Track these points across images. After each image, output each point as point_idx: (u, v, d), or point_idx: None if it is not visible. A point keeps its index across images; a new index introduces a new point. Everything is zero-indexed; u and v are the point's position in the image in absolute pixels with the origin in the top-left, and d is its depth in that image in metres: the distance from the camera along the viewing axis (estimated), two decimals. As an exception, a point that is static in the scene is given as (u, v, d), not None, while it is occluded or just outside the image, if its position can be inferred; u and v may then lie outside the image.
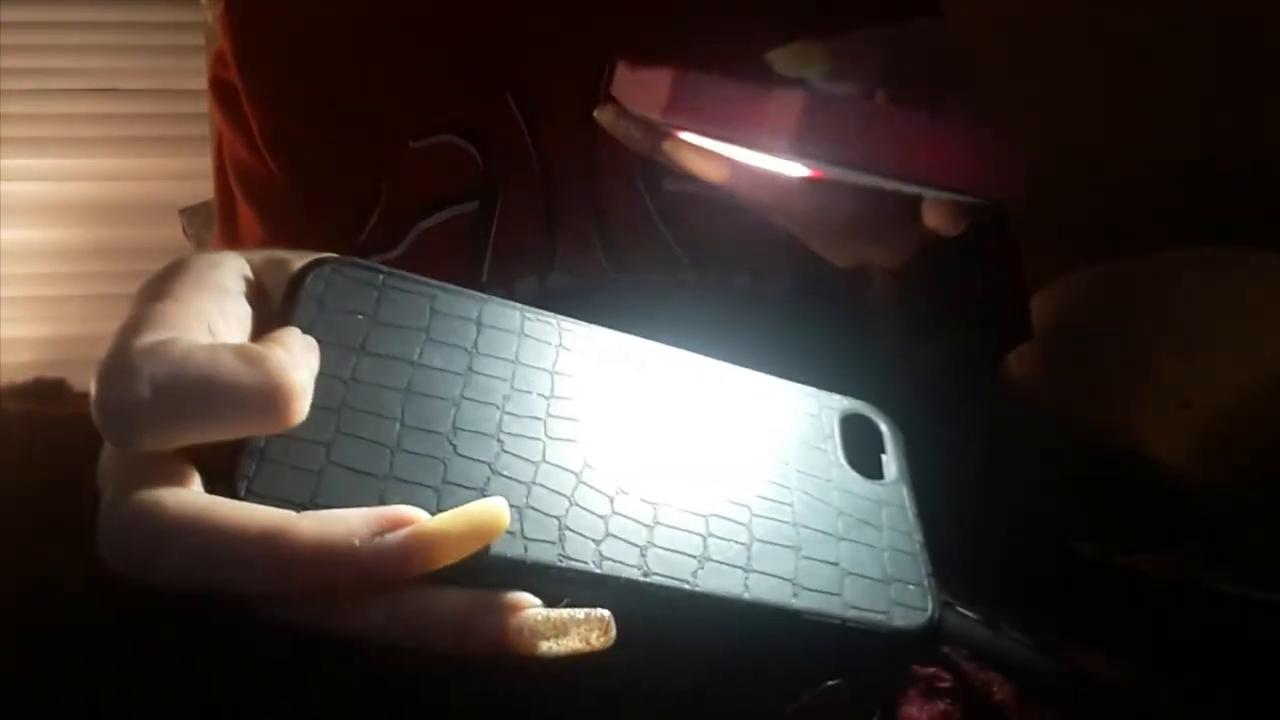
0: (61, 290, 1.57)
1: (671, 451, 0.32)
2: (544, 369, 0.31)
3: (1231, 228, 1.18)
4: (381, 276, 0.32)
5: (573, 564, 0.27)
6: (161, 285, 0.29)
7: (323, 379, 0.28)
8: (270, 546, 0.24)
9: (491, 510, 0.26)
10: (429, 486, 0.27)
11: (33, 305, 1.57)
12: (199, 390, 0.25)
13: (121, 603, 0.26)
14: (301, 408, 0.26)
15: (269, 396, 0.26)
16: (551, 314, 0.33)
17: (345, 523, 0.25)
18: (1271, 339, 1.00)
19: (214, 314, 0.28)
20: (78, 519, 0.28)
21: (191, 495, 0.25)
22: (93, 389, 0.26)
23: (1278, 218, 1.22)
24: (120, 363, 0.26)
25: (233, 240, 0.69)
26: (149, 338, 0.26)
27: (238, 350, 0.26)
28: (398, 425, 0.28)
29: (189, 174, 1.45)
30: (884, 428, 0.36)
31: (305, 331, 0.28)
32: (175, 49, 1.57)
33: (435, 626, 0.25)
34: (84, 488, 0.29)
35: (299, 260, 0.31)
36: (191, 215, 1.36)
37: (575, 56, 0.61)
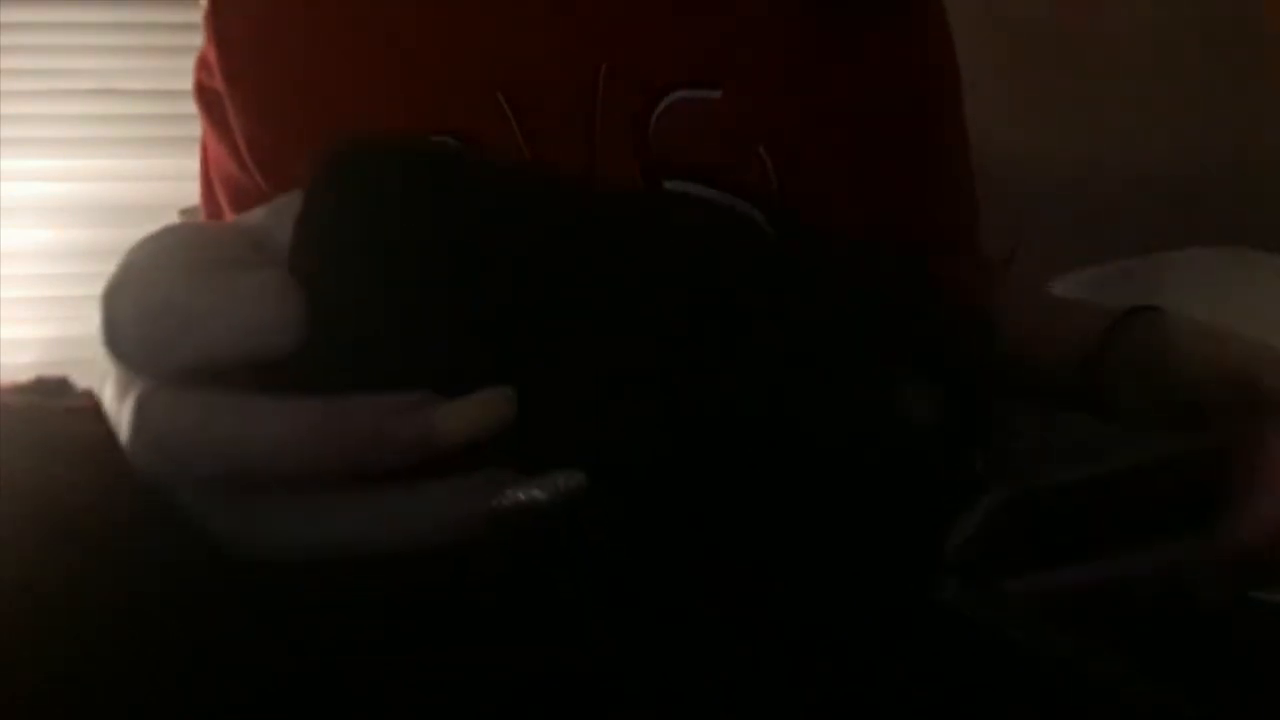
0: (61, 290, 1.57)
1: None
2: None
3: (1232, 228, 1.18)
4: (404, 163, 0.31)
5: None
6: (155, 236, 0.31)
7: (340, 278, 0.28)
8: (302, 426, 0.27)
9: (499, 397, 0.28)
10: (438, 376, 0.28)
11: (33, 305, 1.57)
12: (177, 315, 0.28)
13: (127, 586, 0.26)
14: (279, 340, 0.27)
15: (247, 327, 0.27)
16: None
17: (370, 405, 0.27)
18: (1271, 339, 1.00)
19: (208, 252, 0.30)
20: (79, 509, 0.28)
21: (219, 387, 0.28)
22: (98, 314, 0.29)
23: (1277, 218, 1.22)
24: (115, 285, 0.29)
25: None
26: (139, 268, 0.29)
27: (220, 276, 0.28)
28: (411, 317, 0.29)
29: (189, 174, 1.45)
30: None
31: (328, 227, 0.29)
32: (175, 50, 1.57)
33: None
34: (83, 478, 0.29)
35: (296, 201, 0.31)
36: (192, 215, 1.36)
37: (565, 52, 0.60)
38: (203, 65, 0.65)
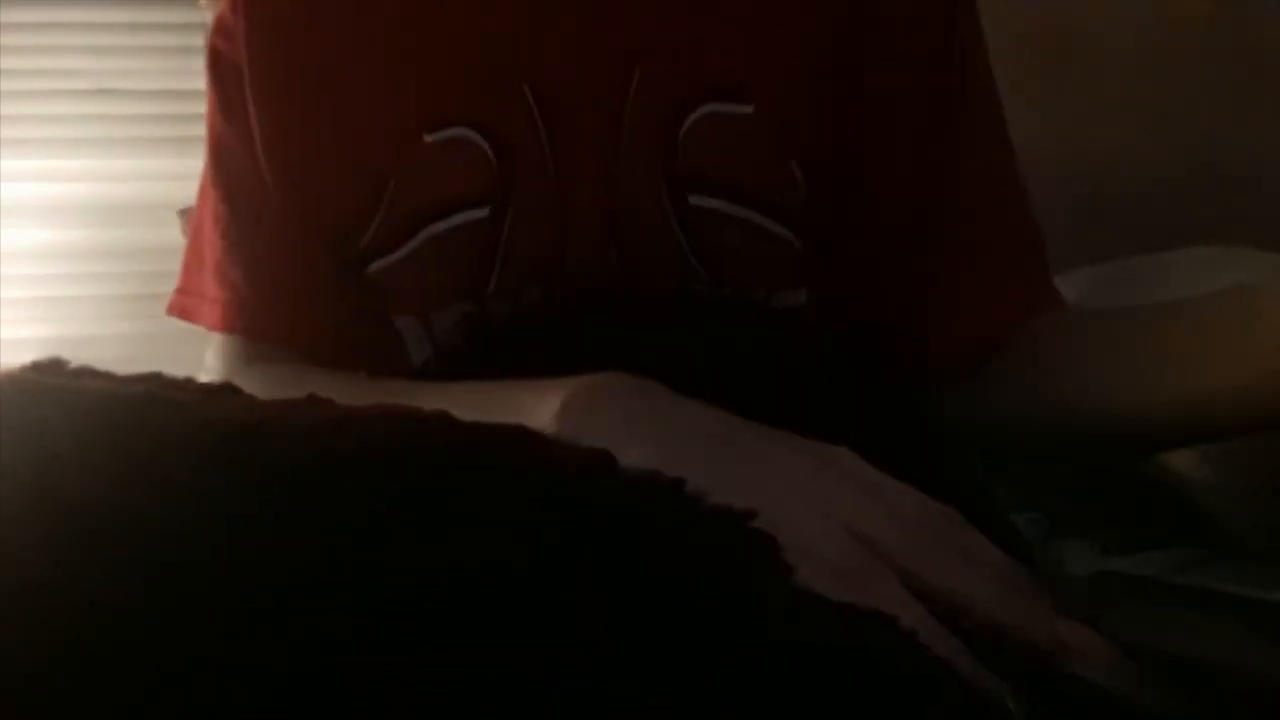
0: (61, 290, 1.57)
1: None
2: None
3: (1232, 228, 1.18)
4: None
5: None
6: None
7: None
8: None
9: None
10: None
11: (33, 305, 1.57)
12: None
13: (128, 584, 0.26)
14: None
15: None
16: None
17: None
18: (1270, 339, 1.00)
19: None
20: (82, 500, 0.28)
21: None
22: None
23: (1278, 218, 1.22)
24: None
25: (213, 240, 0.67)
26: None
27: None
28: None
29: (189, 174, 1.44)
30: None
31: None
32: (175, 50, 1.57)
33: None
34: (88, 465, 0.29)
35: None
36: (191, 216, 1.35)
37: (601, 52, 0.59)
38: (221, 29, 0.64)
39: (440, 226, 0.59)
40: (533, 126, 0.58)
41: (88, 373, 0.34)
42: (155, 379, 0.35)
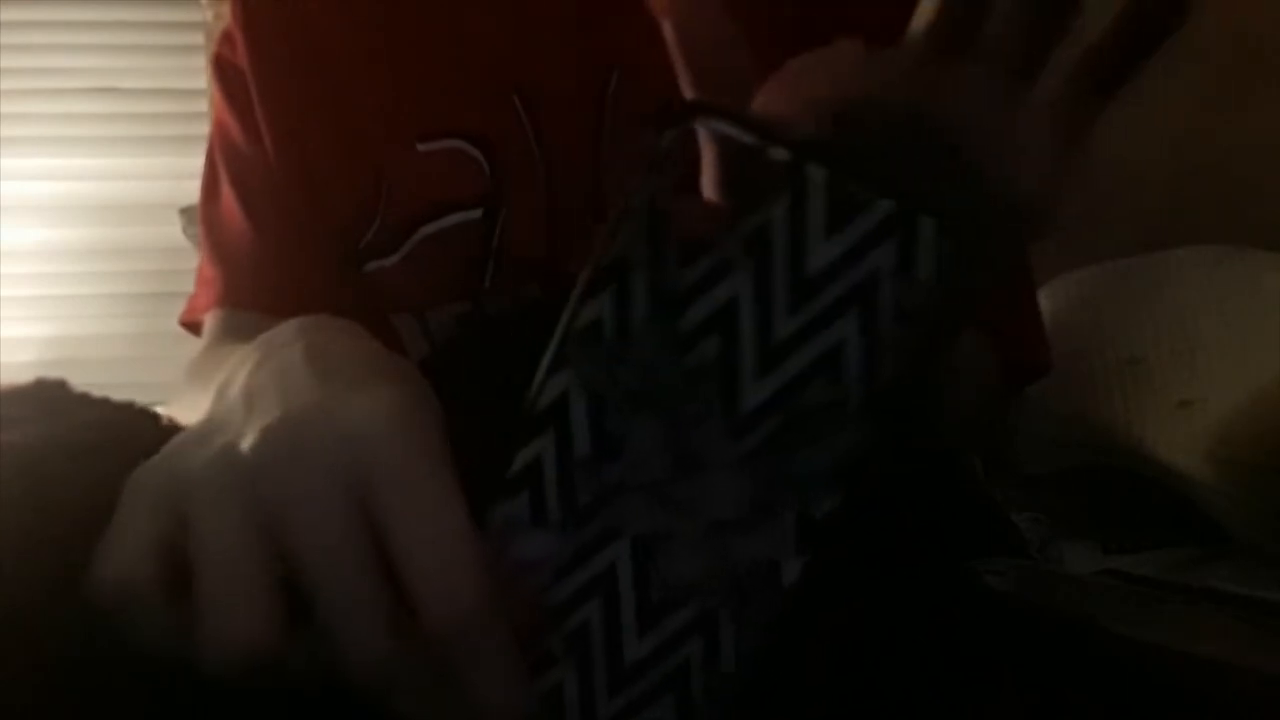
0: (61, 290, 1.57)
1: None
2: None
3: (1231, 228, 1.18)
4: None
5: None
6: None
7: None
8: None
9: None
10: None
11: (33, 305, 1.57)
12: None
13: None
14: None
15: None
16: None
17: None
18: (1270, 338, 1.01)
19: None
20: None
21: None
22: None
23: (1278, 218, 1.22)
24: None
25: (214, 225, 0.68)
26: None
27: None
28: None
29: (189, 174, 1.44)
30: None
31: None
32: (175, 49, 1.57)
33: None
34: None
35: None
36: (191, 215, 1.35)
37: (581, 55, 0.60)
38: (226, 39, 0.66)
39: (432, 228, 0.60)
40: (522, 133, 0.59)
41: None
42: None
